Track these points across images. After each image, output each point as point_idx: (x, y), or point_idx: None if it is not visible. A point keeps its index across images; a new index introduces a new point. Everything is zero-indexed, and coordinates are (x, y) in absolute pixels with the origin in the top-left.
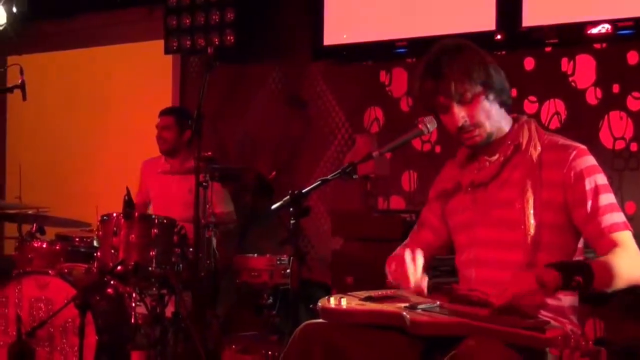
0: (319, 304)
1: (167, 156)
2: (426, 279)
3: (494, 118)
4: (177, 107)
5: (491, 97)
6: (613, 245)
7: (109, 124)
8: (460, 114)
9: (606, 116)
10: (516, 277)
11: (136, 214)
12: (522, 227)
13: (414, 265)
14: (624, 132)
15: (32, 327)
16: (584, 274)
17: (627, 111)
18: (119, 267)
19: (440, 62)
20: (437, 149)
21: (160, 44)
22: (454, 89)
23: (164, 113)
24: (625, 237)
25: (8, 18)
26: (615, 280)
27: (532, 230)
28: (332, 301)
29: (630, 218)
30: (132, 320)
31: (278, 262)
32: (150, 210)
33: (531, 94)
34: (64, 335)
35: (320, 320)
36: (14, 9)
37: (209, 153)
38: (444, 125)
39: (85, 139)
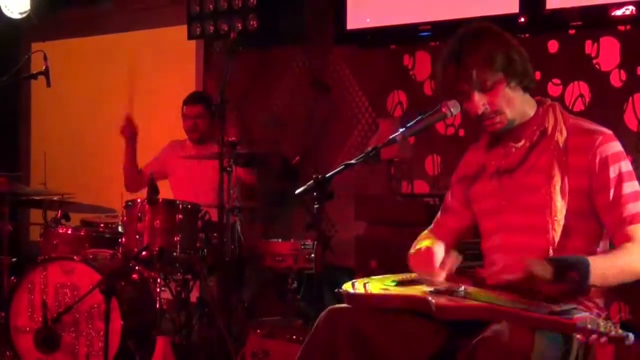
0: (343, 288)
1: (197, 144)
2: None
3: (516, 104)
4: (202, 94)
5: (513, 83)
6: (628, 239)
7: (133, 110)
8: (480, 101)
9: (630, 98)
10: (514, 262)
11: (160, 199)
12: (549, 212)
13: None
14: None
15: (58, 312)
16: (580, 271)
17: None
18: (143, 253)
19: (461, 49)
20: (461, 132)
21: (183, 29)
22: (475, 77)
23: (193, 101)
24: None
25: (32, 4)
26: (617, 278)
27: (558, 216)
28: (357, 285)
29: None
30: (157, 306)
31: (302, 247)
32: (173, 195)
33: (555, 76)
34: (89, 321)
35: (345, 305)
36: None
37: (233, 138)
38: (466, 111)
39: (110, 125)
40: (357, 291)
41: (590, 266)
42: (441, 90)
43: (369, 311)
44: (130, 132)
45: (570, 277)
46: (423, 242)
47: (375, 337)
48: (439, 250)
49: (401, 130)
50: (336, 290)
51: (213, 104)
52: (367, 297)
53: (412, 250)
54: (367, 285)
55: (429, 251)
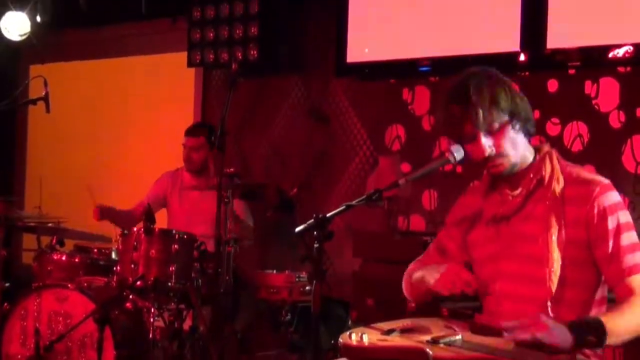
0: (340, 340)
1: (194, 175)
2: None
3: (519, 148)
4: (204, 125)
5: (517, 126)
6: (630, 292)
7: (130, 136)
8: (487, 143)
9: (629, 140)
10: (528, 324)
11: (157, 229)
12: (546, 262)
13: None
14: None
15: (51, 340)
16: (597, 333)
17: None
18: (138, 282)
19: (467, 90)
20: (459, 169)
21: (183, 56)
22: (482, 118)
23: (193, 133)
24: None
25: (32, 27)
26: (631, 334)
27: (555, 266)
28: (354, 337)
29: None
30: (150, 335)
31: (297, 279)
32: (168, 225)
33: (554, 115)
34: (82, 350)
35: (343, 359)
36: (38, 18)
37: (232, 169)
38: (469, 153)
39: (107, 151)
40: (354, 343)
41: (605, 328)
42: (444, 131)
43: None
44: (101, 216)
45: (588, 341)
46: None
47: None
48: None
49: (404, 174)
50: (333, 341)
51: (213, 135)
52: (365, 350)
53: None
54: (364, 336)
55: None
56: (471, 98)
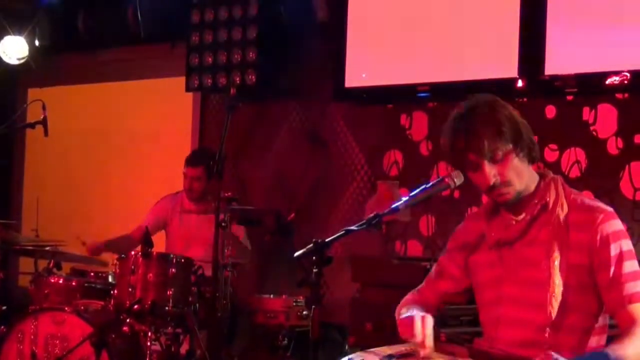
0: None
1: (193, 202)
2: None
3: (524, 175)
4: (205, 154)
5: (521, 154)
6: (632, 321)
7: (128, 160)
8: (491, 172)
9: (627, 166)
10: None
11: (154, 253)
12: (547, 287)
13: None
14: None
15: None
16: None
17: None
18: (135, 306)
19: (471, 119)
20: (456, 194)
21: (181, 80)
22: (487, 147)
23: (194, 163)
24: None
25: (30, 51)
26: None
27: (557, 291)
28: None
29: None
30: (147, 359)
31: (294, 304)
32: (166, 248)
33: (552, 142)
34: None
35: None
36: (36, 42)
37: (229, 193)
38: (472, 182)
39: (104, 174)
40: None
41: None
42: (448, 160)
43: None
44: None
45: None
46: (411, 308)
47: None
48: (429, 319)
49: (404, 199)
50: None
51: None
52: None
53: (399, 313)
54: None
55: (420, 320)
56: (475, 127)
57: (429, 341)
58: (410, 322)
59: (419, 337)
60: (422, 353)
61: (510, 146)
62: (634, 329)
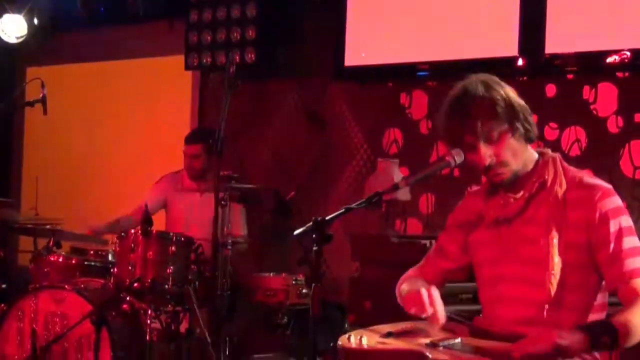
0: (340, 342)
1: (194, 181)
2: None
3: (520, 155)
4: (203, 132)
5: (517, 134)
6: (635, 293)
7: (127, 138)
8: (487, 153)
9: (627, 145)
10: (540, 335)
11: (154, 231)
12: (546, 265)
13: (432, 299)
14: None
15: (48, 341)
16: (610, 334)
17: None
18: (135, 284)
19: (466, 100)
20: (456, 172)
21: (180, 59)
22: (480, 127)
23: (192, 141)
24: None
25: (29, 29)
26: (638, 336)
27: (556, 269)
28: (353, 340)
29: None
30: (147, 337)
31: (294, 282)
32: (167, 227)
33: (552, 120)
34: (78, 351)
35: None
36: (35, 21)
37: (230, 172)
38: (470, 162)
39: (103, 153)
40: (353, 346)
41: (616, 329)
42: (445, 141)
43: None
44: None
45: (603, 343)
46: (415, 282)
47: None
48: (436, 292)
49: (404, 177)
50: (331, 344)
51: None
52: (364, 353)
53: (401, 288)
54: (362, 339)
55: (427, 293)
56: (470, 109)
57: (441, 312)
58: (417, 296)
59: (429, 310)
60: (435, 325)
61: (506, 126)
62: (637, 300)
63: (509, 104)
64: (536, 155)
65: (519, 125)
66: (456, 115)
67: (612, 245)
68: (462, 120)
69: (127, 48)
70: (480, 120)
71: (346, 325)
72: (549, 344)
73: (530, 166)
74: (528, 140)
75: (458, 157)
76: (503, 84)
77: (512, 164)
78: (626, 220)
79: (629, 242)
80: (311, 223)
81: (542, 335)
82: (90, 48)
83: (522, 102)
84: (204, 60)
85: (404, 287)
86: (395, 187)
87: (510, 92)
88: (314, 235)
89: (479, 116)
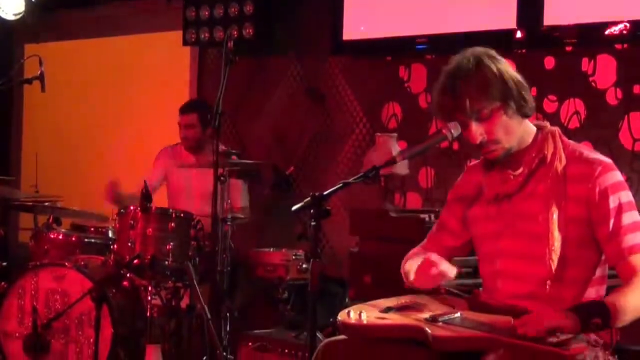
0: (339, 318)
1: (191, 152)
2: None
3: (514, 132)
4: (198, 102)
5: (510, 111)
6: (632, 271)
7: (126, 115)
8: (477, 130)
9: (626, 117)
10: (540, 314)
11: (153, 207)
12: (546, 240)
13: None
14: None
15: (48, 319)
16: (602, 315)
17: None
18: (135, 261)
19: (456, 79)
20: (455, 146)
21: (178, 35)
22: (470, 106)
23: (186, 110)
24: None
25: (26, 6)
26: (635, 314)
27: (556, 244)
28: (352, 315)
29: None
30: (148, 313)
31: (294, 257)
32: (166, 202)
33: (551, 93)
34: (79, 328)
35: (341, 337)
36: None
37: (229, 147)
38: (465, 138)
39: (102, 129)
40: (352, 322)
41: (609, 309)
42: (438, 117)
43: (365, 343)
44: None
45: (594, 324)
46: (417, 258)
47: None
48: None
49: (401, 151)
50: (331, 319)
51: (209, 113)
52: (363, 328)
53: (405, 268)
54: (362, 314)
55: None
56: (460, 87)
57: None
58: (427, 268)
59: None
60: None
61: (498, 104)
62: (634, 279)
63: (502, 81)
64: (534, 129)
65: (512, 102)
66: (447, 93)
67: (612, 221)
68: (453, 99)
69: (125, 24)
70: (470, 98)
71: (347, 300)
72: (542, 328)
73: (529, 140)
74: (524, 115)
75: (455, 130)
76: (498, 58)
77: (503, 142)
78: (626, 195)
79: (629, 217)
80: (309, 198)
81: (535, 317)
82: (88, 24)
83: (517, 77)
84: (202, 36)
85: (407, 266)
86: (392, 161)
87: (505, 68)
88: (311, 211)
89: (469, 94)
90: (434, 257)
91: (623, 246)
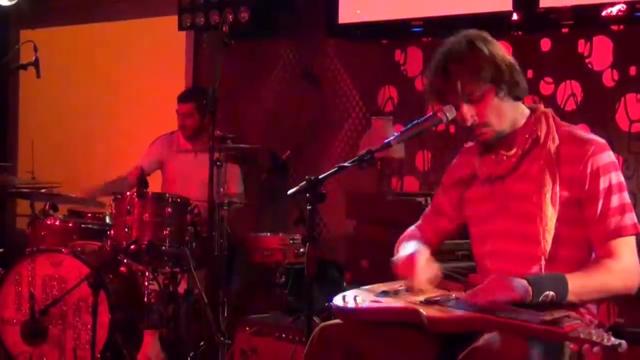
0: (334, 302)
1: (189, 141)
2: (432, 273)
3: (506, 114)
4: (195, 91)
5: (502, 94)
6: (609, 254)
7: (122, 100)
8: (469, 113)
9: (623, 98)
10: (492, 284)
11: (150, 193)
12: (540, 220)
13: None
14: None
15: (46, 305)
16: (558, 290)
17: None
18: (132, 246)
19: (447, 61)
20: (452, 129)
21: (174, 19)
22: (461, 89)
23: (183, 100)
24: (625, 244)
25: None
26: (592, 296)
27: (549, 225)
28: (347, 299)
29: None
30: (145, 299)
31: (291, 242)
32: (163, 188)
33: (547, 75)
34: (77, 314)
35: (337, 321)
36: None
37: (225, 132)
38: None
39: (98, 115)
40: (348, 306)
41: (567, 285)
42: (431, 99)
43: (361, 326)
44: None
45: (547, 297)
46: (408, 245)
47: (370, 352)
48: (423, 256)
49: (396, 134)
50: (327, 304)
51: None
52: (359, 312)
53: (396, 253)
54: (357, 298)
55: (412, 258)
56: (451, 69)
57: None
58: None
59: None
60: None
61: (489, 86)
62: (605, 260)
63: (494, 63)
64: (528, 111)
65: (503, 84)
66: (439, 76)
67: (600, 202)
68: (445, 81)
69: (120, 9)
70: (462, 81)
71: (344, 284)
72: (486, 301)
73: (522, 122)
74: (516, 98)
75: (450, 113)
76: (490, 40)
77: (494, 124)
78: (617, 177)
79: (617, 199)
80: (304, 182)
81: (488, 288)
82: (83, 10)
83: (510, 59)
84: (198, 20)
85: (400, 250)
86: (387, 145)
87: (497, 50)
88: (307, 195)
89: (461, 77)
90: (420, 253)
91: (607, 229)
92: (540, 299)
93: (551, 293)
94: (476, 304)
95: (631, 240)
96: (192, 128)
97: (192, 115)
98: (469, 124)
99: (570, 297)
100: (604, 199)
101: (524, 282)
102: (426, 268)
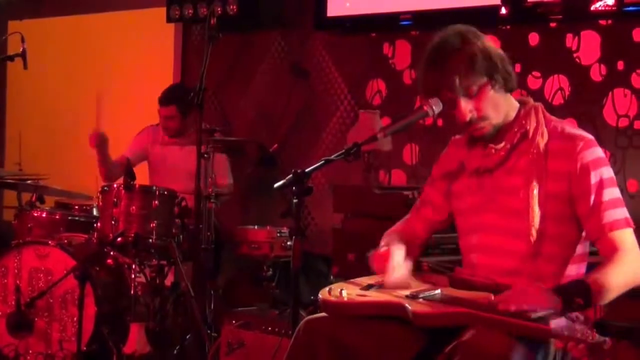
0: (320, 296)
1: (173, 139)
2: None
3: (501, 107)
4: (176, 91)
5: (497, 86)
6: (613, 248)
7: (109, 92)
8: (467, 107)
9: (610, 93)
10: (522, 291)
11: (137, 185)
12: (526, 215)
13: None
14: (628, 109)
15: (32, 297)
16: (584, 295)
17: (631, 88)
18: (119, 239)
19: (441, 56)
20: (439, 122)
21: (162, 11)
22: (458, 83)
23: (165, 102)
24: (625, 236)
25: None
26: (617, 292)
27: (536, 220)
28: (333, 293)
29: (632, 196)
30: (132, 292)
31: (278, 235)
32: (150, 180)
33: (535, 69)
34: (63, 306)
35: (322, 314)
36: None
37: (212, 125)
38: (451, 117)
39: (86, 107)
40: (333, 299)
41: (591, 289)
42: (425, 96)
43: (347, 319)
44: (98, 142)
45: (576, 304)
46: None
47: (355, 345)
48: (398, 253)
49: (382, 128)
50: (312, 297)
51: (188, 99)
52: (344, 306)
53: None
54: (342, 291)
55: (385, 255)
56: (446, 64)
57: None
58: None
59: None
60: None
61: (485, 79)
62: (614, 256)
63: (487, 56)
64: (517, 105)
65: (498, 76)
66: (433, 72)
67: (592, 197)
68: (440, 77)
69: (108, 1)
70: (458, 75)
71: (331, 277)
72: (517, 308)
73: (513, 115)
74: (509, 90)
75: (436, 106)
76: (480, 34)
77: (492, 118)
78: (607, 172)
79: (609, 193)
80: (290, 175)
81: (517, 295)
82: (71, 1)
83: (499, 51)
84: (186, 12)
85: (382, 244)
86: (374, 138)
87: (488, 43)
88: (293, 188)
89: (456, 71)
90: (395, 251)
91: (603, 222)
92: (571, 308)
93: (579, 300)
94: (507, 311)
95: (629, 232)
96: (174, 130)
97: (174, 117)
98: (467, 118)
99: (595, 300)
100: (596, 194)
101: (552, 294)
102: (397, 268)
